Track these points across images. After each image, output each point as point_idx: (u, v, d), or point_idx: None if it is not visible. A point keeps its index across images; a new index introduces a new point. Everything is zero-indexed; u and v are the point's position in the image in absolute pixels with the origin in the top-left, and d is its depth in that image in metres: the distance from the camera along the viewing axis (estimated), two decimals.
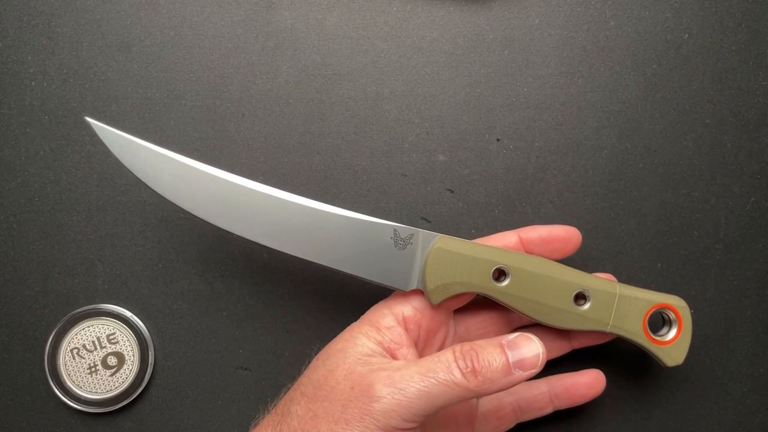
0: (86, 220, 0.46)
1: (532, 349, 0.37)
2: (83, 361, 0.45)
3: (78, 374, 0.45)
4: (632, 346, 0.43)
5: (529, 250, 0.42)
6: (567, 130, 0.47)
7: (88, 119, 0.39)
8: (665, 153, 0.47)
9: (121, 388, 0.45)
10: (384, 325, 0.39)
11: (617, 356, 0.46)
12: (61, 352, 0.45)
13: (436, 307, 0.40)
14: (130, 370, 0.46)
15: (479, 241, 0.42)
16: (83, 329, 0.45)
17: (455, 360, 0.36)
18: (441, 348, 0.42)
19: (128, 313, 0.46)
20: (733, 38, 0.48)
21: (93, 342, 0.45)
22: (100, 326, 0.46)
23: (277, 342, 0.46)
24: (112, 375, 0.45)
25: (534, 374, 0.37)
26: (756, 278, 0.47)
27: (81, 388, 0.45)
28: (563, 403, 0.43)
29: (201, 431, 0.46)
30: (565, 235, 0.42)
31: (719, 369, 0.47)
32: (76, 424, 0.46)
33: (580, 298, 0.41)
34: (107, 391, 0.45)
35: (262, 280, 0.46)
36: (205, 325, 0.46)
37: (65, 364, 0.45)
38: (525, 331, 0.44)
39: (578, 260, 0.45)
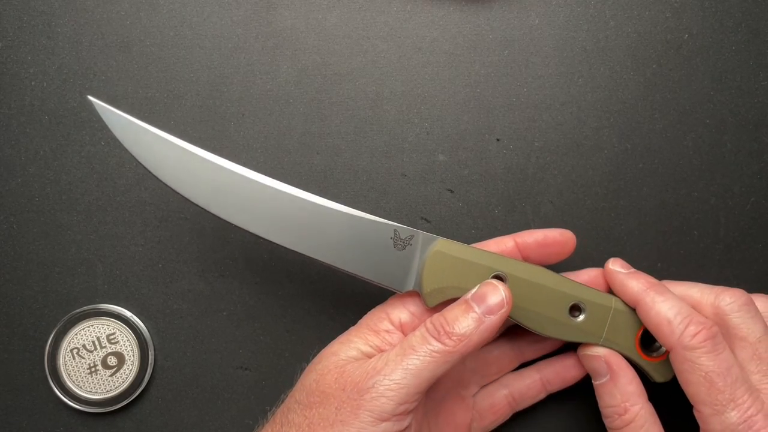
0: (86, 220, 0.46)
1: (496, 294, 0.38)
2: (83, 361, 0.45)
3: (78, 374, 0.45)
4: None
5: (526, 255, 0.42)
6: (567, 130, 0.47)
7: (91, 98, 0.38)
8: (665, 153, 0.47)
9: (121, 388, 0.45)
10: (383, 329, 0.39)
11: None
12: (61, 352, 0.45)
13: (431, 309, 0.40)
14: (130, 370, 0.46)
15: (476, 246, 0.42)
16: (83, 329, 0.45)
17: (427, 331, 0.37)
18: None
19: (128, 313, 0.46)
20: (733, 38, 0.48)
21: (93, 342, 0.45)
22: (100, 326, 0.46)
23: (277, 342, 0.46)
24: (112, 375, 0.45)
25: (506, 314, 0.38)
26: (756, 278, 0.47)
27: (81, 388, 0.45)
28: (555, 387, 0.44)
29: (201, 431, 0.46)
30: (561, 238, 0.42)
31: None
32: (76, 424, 0.46)
33: (575, 309, 0.41)
34: (107, 391, 0.45)
35: (262, 280, 0.47)
36: (205, 325, 0.46)
37: (65, 364, 0.45)
38: (516, 334, 0.44)
39: (578, 260, 0.45)
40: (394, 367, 0.36)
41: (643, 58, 0.47)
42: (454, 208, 0.47)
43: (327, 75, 0.47)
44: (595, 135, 0.47)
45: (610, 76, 0.47)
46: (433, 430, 0.42)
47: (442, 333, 0.37)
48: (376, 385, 0.36)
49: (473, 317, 0.37)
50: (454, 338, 0.36)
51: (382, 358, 0.37)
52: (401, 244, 0.40)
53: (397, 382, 0.36)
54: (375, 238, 0.39)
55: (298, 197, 0.39)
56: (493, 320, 0.37)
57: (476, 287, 0.38)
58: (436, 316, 0.38)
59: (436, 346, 0.36)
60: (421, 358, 0.36)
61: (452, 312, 0.38)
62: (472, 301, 0.38)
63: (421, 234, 0.40)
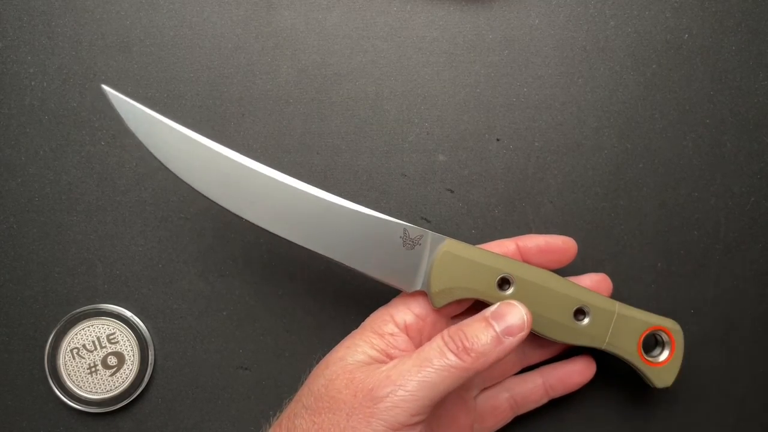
0: (86, 220, 0.46)
1: (516, 315, 0.38)
2: (83, 361, 0.45)
3: (78, 374, 0.45)
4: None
5: (527, 259, 0.42)
6: (567, 130, 0.47)
7: (105, 87, 0.38)
8: (665, 153, 0.47)
9: (121, 388, 0.45)
10: (387, 332, 0.39)
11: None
12: (61, 352, 0.45)
13: (437, 310, 0.40)
14: (130, 370, 0.46)
15: (478, 247, 0.42)
16: (83, 329, 0.45)
17: (445, 344, 0.37)
18: None
19: (128, 313, 0.46)
20: (733, 38, 0.48)
21: (93, 342, 0.45)
22: (100, 326, 0.46)
23: (277, 342, 0.46)
24: (112, 375, 0.45)
25: (524, 337, 0.37)
26: (756, 278, 0.47)
27: (81, 388, 0.45)
28: (558, 392, 0.44)
29: (201, 431, 0.46)
30: (563, 245, 0.42)
31: (719, 369, 0.47)
32: (76, 424, 0.46)
33: (579, 313, 0.41)
34: (107, 391, 0.45)
35: (262, 280, 0.46)
36: (205, 325, 0.46)
37: (65, 364, 0.45)
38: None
39: (578, 260, 0.45)
40: (410, 378, 0.36)
41: (643, 58, 0.47)
42: (454, 208, 0.47)
43: (327, 75, 0.47)
44: (595, 135, 0.47)
45: (610, 76, 0.47)
46: (437, 429, 0.42)
47: (460, 348, 0.36)
48: (390, 395, 0.35)
49: (492, 335, 0.37)
50: (473, 355, 0.36)
51: (396, 367, 0.37)
52: (410, 243, 0.39)
53: (412, 393, 0.35)
54: (384, 237, 0.39)
55: (309, 193, 0.39)
56: (513, 342, 0.37)
57: (496, 305, 0.38)
58: (454, 329, 0.37)
59: (454, 361, 0.36)
60: (437, 371, 0.36)
61: (471, 327, 0.37)
62: (492, 318, 0.37)
63: (430, 234, 0.40)
